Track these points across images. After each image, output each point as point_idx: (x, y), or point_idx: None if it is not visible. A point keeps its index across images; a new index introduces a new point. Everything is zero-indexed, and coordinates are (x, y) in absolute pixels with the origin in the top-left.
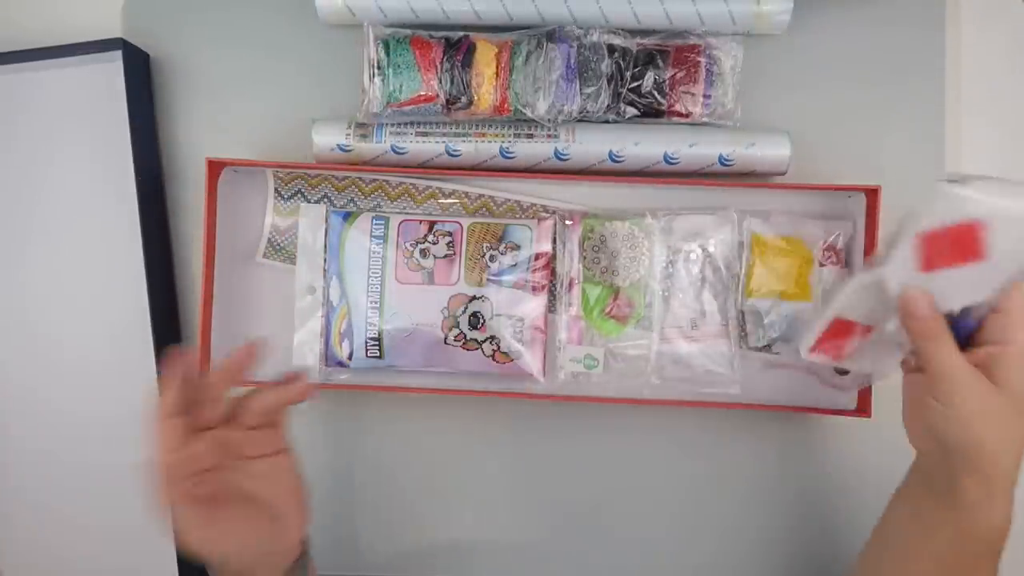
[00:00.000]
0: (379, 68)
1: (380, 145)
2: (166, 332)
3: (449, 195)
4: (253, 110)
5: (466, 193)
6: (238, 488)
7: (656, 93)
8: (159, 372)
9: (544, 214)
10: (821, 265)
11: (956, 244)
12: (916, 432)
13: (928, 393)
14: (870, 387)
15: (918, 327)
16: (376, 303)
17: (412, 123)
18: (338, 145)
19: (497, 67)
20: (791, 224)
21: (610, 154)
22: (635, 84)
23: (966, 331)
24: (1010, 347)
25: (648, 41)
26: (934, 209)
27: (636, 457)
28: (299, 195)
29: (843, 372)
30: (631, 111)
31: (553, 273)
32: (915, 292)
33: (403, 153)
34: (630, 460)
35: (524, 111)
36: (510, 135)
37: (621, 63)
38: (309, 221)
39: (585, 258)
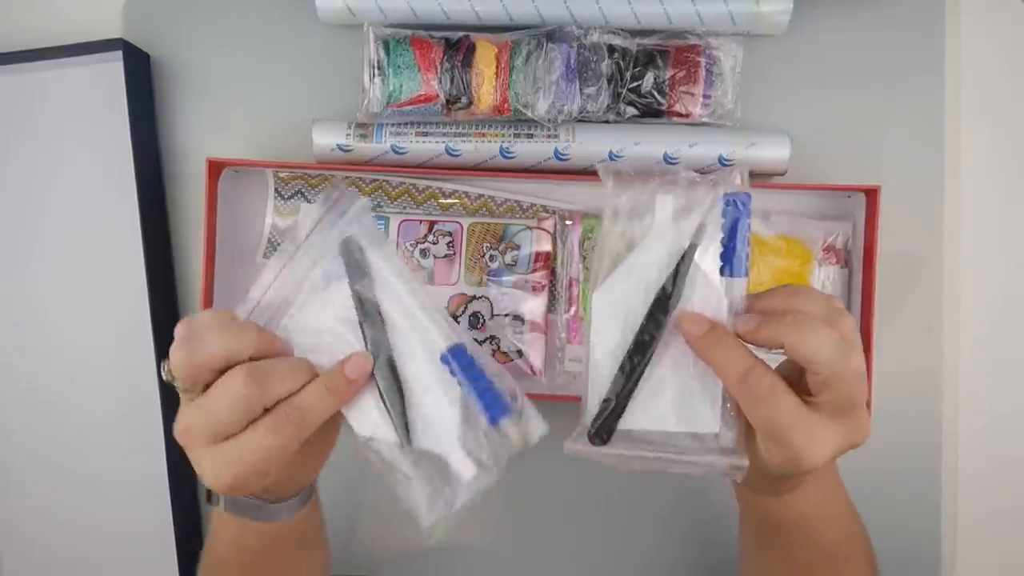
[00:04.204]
0: (379, 68)
1: (380, 145)
2: (166, 332)
3: (449, 195)
4: (253, 110)
5: (466, 193)
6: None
7: (656, 93)
8: (160, 372)
9: (544, 214)
10: (820, 265)
11: None
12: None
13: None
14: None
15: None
16: None
17: (412, 123)
18: (338, 145)
19: (497, 67)
20: (791, 224)
21: (610, 154)
22: (635, 84)
23: None
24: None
25: (648, 41)
26: None
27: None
28: (299, 195)
29: None
30: (631, 111)
31: (553, 273)
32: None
33: (403, 153)
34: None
35: (524, 111)
36: (510, 135)
37: (621, 63)
38: None
39: (585, 258)
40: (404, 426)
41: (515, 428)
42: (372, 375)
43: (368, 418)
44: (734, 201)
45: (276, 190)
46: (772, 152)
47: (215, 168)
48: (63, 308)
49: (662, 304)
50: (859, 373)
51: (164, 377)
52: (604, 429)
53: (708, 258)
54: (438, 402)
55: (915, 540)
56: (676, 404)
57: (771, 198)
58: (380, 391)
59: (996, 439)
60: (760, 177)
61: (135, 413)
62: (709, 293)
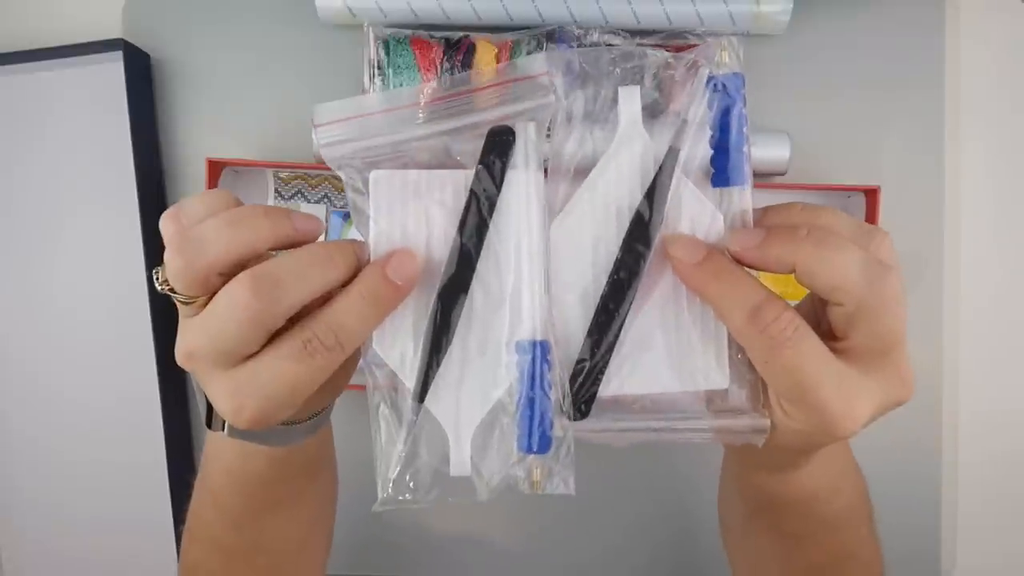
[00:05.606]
0: (379, 68)
1: None
2: (167, 333)
3: None
4: (253, 110)
5: None
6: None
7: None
8: (160, 372)
9: None
10: None
11: None
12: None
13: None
14: None
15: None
16: None
17: None
18: None
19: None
20: None
21: None
22: None
23: None
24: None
25: (648, 41)
26: None
27: (637, 453)
28: (299, 195)
29: None
30: None
31: None
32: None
33: None
34: (631, 457)
35: None
36: None
37: None
38: None
39: None
40: (425, 378)
41: (539, 470)
42: (436, 300)
43: (395, 344)
44: (722, 85)
45: (276, 190)
46: (772, 152)
47: (215, 168)
48: (64, 307)
49: (641, 231)
50: (897, 302)
51: (158, 288)
52: (581, 399)
53: (695, 165)
54: (476, 382)
55: (915, 537)
56: (670, 357)
57: (771, 198)
58: (429, 324)
59: (996, 437)
60: (760, 177)
61: (134, 413)
62: (701, 211)
